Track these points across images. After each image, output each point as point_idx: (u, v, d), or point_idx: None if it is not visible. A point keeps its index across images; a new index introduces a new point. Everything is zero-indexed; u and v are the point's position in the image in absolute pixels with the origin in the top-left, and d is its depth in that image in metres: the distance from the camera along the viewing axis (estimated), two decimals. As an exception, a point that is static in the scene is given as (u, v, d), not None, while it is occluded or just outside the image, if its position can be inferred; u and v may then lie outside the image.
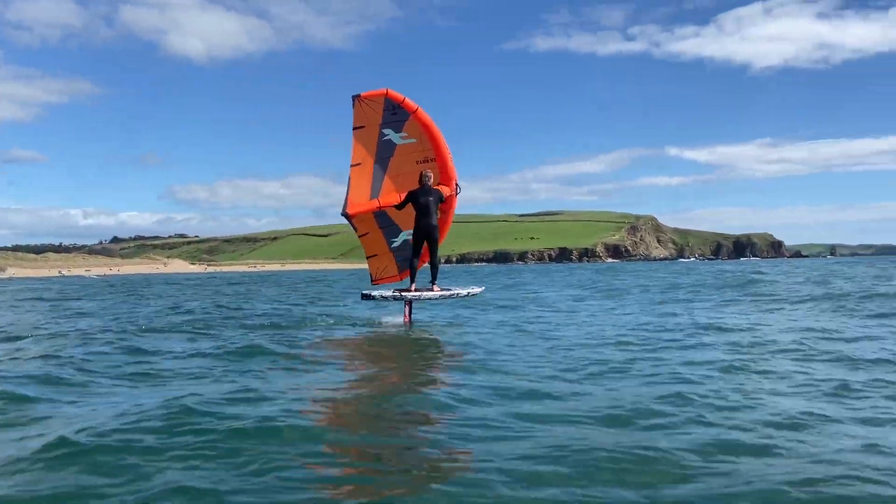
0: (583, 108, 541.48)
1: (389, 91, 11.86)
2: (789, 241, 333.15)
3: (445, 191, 11.77)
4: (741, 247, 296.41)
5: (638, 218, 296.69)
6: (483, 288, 13.81)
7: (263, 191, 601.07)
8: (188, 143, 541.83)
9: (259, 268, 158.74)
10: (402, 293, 11.83)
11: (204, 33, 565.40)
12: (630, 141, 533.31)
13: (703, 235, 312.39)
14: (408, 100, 11.90)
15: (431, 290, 11.99)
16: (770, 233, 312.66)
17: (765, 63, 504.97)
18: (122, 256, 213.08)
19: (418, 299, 12.02)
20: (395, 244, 12.45)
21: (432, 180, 11.53)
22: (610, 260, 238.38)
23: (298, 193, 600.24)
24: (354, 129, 12.06)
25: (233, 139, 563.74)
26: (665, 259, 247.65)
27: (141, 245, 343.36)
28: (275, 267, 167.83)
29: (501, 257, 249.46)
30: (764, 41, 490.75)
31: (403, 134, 11.99)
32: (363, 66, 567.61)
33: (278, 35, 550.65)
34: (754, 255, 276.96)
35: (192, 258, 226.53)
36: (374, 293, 11.87)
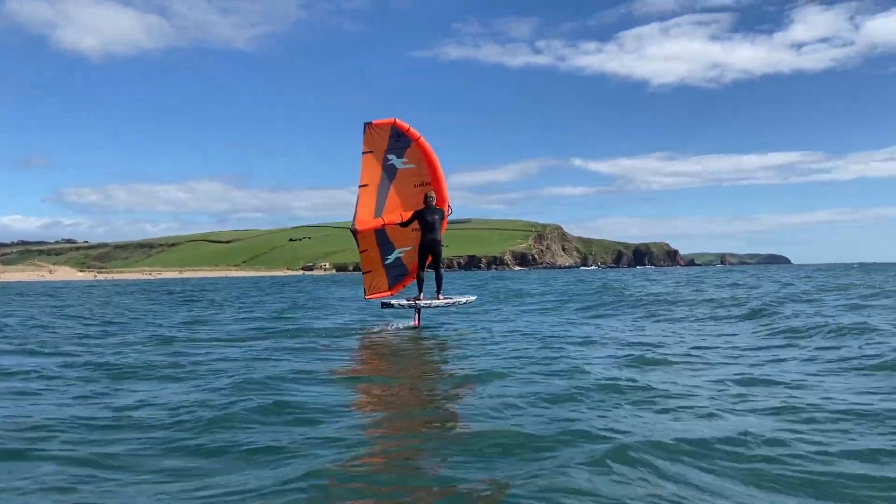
0: (492, 118, 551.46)
1: (396, 120, 13.06)
2: (684, 249, 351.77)
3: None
4: (640, 255, 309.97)
5: (544, 227, 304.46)
6: (476, 297, 15.15)
7: (161, 195, 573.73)
8: (79, 143, 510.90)
9: (155, 275, 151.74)
10: (416, 301, 13.01)
11: (99, 28, 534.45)
12: (537, 151, 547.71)
13: (605, 244, 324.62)
14: (412, 129, 13.04)
15: (438, 298, 13.35)
16: (667, 242, 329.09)
17: (662, 80, 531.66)
18: (4, 263, 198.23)
19: (428, 307, 13.24)
20: (388, 261, 13.60)
21: (435, 201, 12.89)
22: (517, 268, 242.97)
23: (199, 198, 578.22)
24: (364, 153, 13.19)
25: (129, 140, 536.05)
26: (570, 267, 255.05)
27: (25, 251, 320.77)
28: (172, 274, 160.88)
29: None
30: (661, 60, 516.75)
31: (405, 159, 13.18)
32: (268, 68, 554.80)
33: (179, 33, 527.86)
34: (652, 264, 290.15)
35: (82, 265, 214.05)
36: (394, 302, 13.10)
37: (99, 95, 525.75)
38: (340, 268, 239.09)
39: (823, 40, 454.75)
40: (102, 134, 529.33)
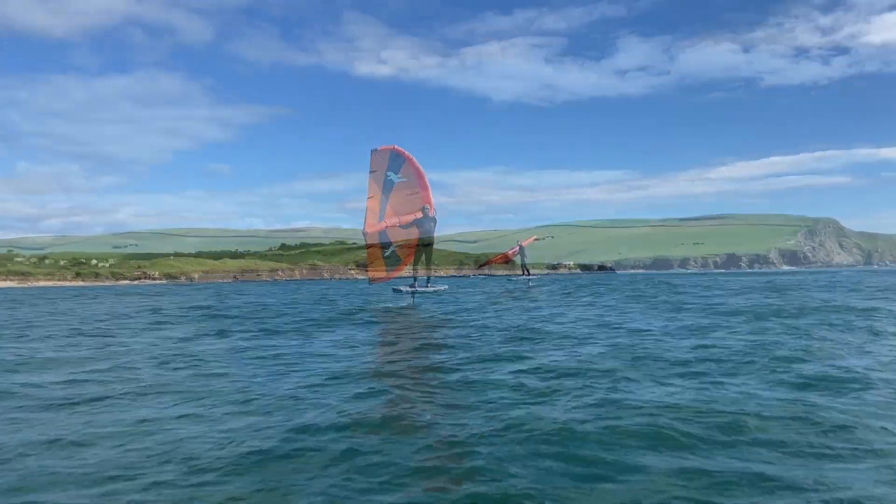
0: (334, 125, 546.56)
1: (395, 146, 17.40)
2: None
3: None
4: (482, 265, 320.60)
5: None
6: (447, 286, 20.71)
7: None
8: None
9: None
10: (416, 288, 18.10)
11: None
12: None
13: (446, 254, 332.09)
14: (406, 152, 17.29)
15: (427, 287, 18.59)
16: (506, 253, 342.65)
17: (501, 97, 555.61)
18: None
19: (423, 292, 18.46)
20: (386, 254, 17.87)
21: (430, 211, 16.96)
22: (360, 276, 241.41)
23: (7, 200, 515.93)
24: (371, 172, 17.31)
25: None
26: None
27: None
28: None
29: (251, 272, 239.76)
30: (500, 77, 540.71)
31: (400, 175, 17.07)
32: (84, 61, 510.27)
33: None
34: (492, 274, 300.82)
35: None
36: (402, 288, 18.10)
37: None
38: (171, 276, 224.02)
39: (643, 69, 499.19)
40: None
